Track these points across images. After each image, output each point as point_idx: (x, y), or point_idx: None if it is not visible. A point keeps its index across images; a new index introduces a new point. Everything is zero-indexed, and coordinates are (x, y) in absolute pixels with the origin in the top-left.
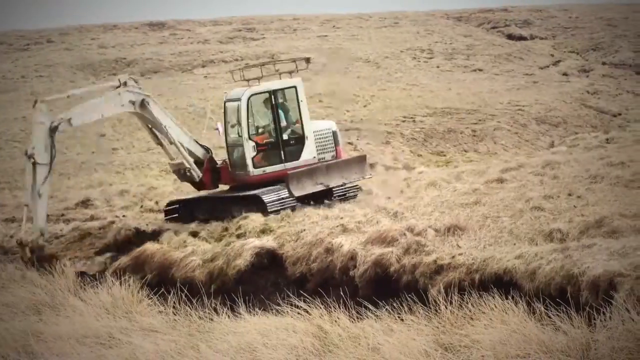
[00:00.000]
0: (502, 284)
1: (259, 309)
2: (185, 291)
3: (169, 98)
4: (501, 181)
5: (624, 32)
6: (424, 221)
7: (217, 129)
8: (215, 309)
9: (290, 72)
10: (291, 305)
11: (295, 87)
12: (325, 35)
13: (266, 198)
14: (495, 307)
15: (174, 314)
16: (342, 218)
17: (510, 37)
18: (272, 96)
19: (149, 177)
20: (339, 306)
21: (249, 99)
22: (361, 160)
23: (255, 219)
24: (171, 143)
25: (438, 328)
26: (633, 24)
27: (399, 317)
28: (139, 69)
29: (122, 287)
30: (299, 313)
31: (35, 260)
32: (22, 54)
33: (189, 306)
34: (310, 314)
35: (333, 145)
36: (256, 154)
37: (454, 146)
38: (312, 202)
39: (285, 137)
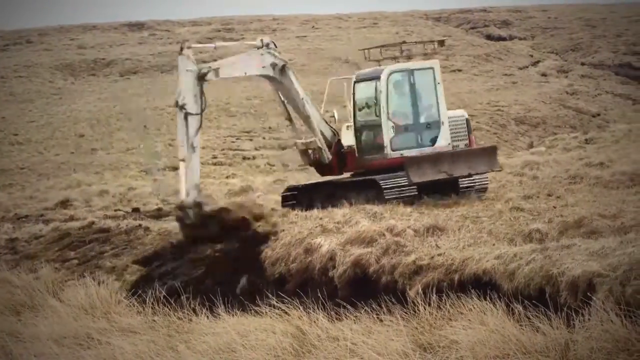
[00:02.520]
0: (481, 284)
1: (238, 309)
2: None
3: (148, 98)
4: None
5: (603, 33)
6: (403, 222)
7: (332, 115)
8: (194, 310)
9: (424, 54)
10: (270, 305)
11: (433, 68)
12: (305, 36)
13: (385, 184)
14: (474, 307)
15: (153, 315)
16: (321, 219)
17: (489, 37)
18: (411, 76)
19: (127, 177)
20: (318, 307)
21: (389, 76)
22: (491, 151)
23: None
24: (306, 117)
25: (417, 329)
26: (612, 25)
27: (377, 317)
28: (118, 69)
29: (100, 288)
30: (277, 314)
31: (198, 221)
32: (1, 55)
33: (167, 307)
34: (289, 315)
35: (466, 133)
36: (395, 136)
37: None
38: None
39: (422, 120)
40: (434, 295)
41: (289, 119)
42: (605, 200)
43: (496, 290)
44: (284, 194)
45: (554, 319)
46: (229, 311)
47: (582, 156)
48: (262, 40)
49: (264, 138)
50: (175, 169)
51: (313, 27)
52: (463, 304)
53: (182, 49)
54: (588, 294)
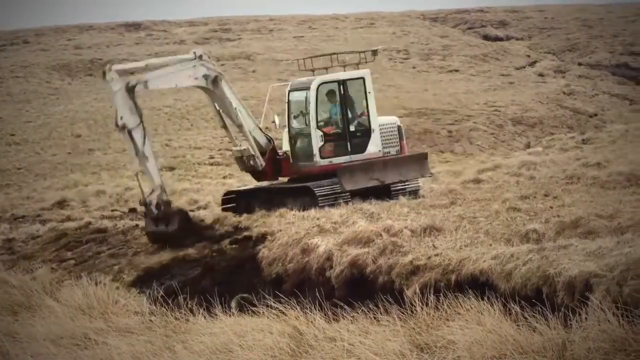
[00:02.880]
0: (478, 284)
1: (235, 309)
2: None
3: (145, 99)
4: (477, 182)
5: (600, 33)
6: (400, 222)
7: (273, 121)
8: (191, 310)
9: (357, 64)
10: (267, 306)
11: (363, 78)
12: (302, 36)
13: (318, 191)
14: (471, 307)
15: (150, 315)
16: (318, 219)
17: (486, 37)
18: (341, 86)
19: (124, 177)
20: (315, 307)
21: (318, 87)
22: (421, 157)
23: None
24: (239, 126)
25: (414, 329)
26: (609, 25)
27: (374, 318)
28: None
29: (97, 288)
30: (275, 314)
31: (162, 217)
32: None
33: (164, 307)
34: (286, 315)
35: (398, 139)
36: (323, 144)
37: (430, 147)
38: (371, 199)
39: (352, 128)
40: (431, 296)
41: (224, 127)
42: (602, 201)
43: (493, 291)
44: (223, 197)
45: (551, 319)
46: (226, 311)
47: (579, 156)
48: (194, 52)
49: None
50: (172, 169)
51: (310, 27)
52: (460, 304)
53: (104, 73)
54: (585, 294)
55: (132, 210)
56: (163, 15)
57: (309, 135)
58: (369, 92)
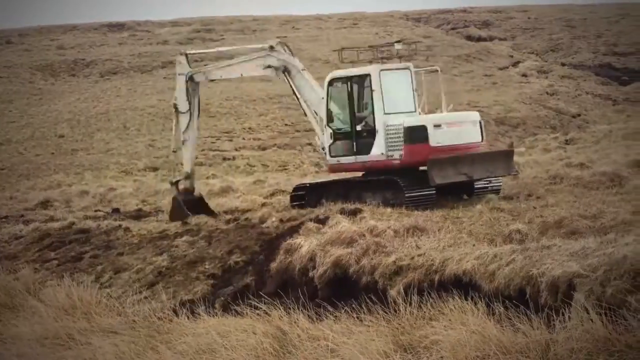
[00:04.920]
0: (461, 285)
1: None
2: None
3: (128, 99)
4: None
5: (583, 33)
6: (384, 222)
7: None
8: (174, 310)
9: (400, 57)
10: (250, 306)
11: (369, 75)
12: (285, 37)
13: (405, 183)
14: (455, 308)
15: (133, 315)
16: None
17: (469, 38)
18: (349, 83)
19: (108, 178)
20: (298, 307)
21: (329, 83)
22: (508, 154)
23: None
24: (314, 117)
25: (397, 329)
26: (592, 25)
27: (358, 318)
28: (98, 70)
29: (80, 288)
30: (258, 314)
31: (182, 203)
32: None
33: (147, 307)
34: (269, 315)
35: (402, 143)
36: (332, 143)
37: None
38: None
39: (358, 128)
40: (415, 296)
41: (305, 114)
42: (585, 201)
43: (477, 291)
44: (293, 193)
45: (534, 320)
46: (209, 312)
47: (562, 157)
48: (268, 43)
49: (243, 139)
50: (155, 169)
51: (293, 27)
52: (444, 304)
53: (178, 55)
54: (568, 294)
55: (115, 211)
56: (146, 15)
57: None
58: (374, 90)
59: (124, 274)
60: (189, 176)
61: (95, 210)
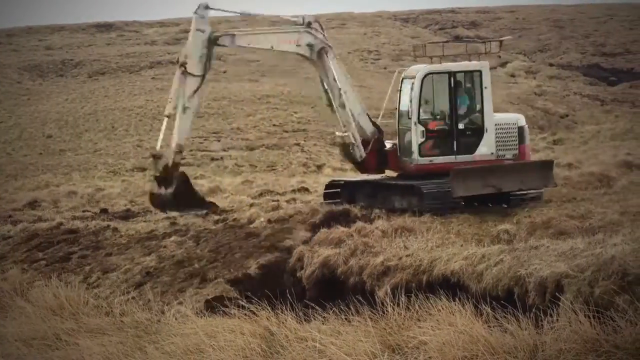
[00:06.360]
0: (449, 285)
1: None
2: None
3: (116, 99)
4: None
5: (571, 34)
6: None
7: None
8: (162, 310)
9: (479, 54)
10: (238, 306)
11: (480, 71)
12: None
13: (426, 189)
14: (443, 308)
15: (121, 316)
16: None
17: (457, 38)
18: (452, 78)
19: (96, 178)
20: (286, 308)
21: (424, 77)
22: (546, 165)
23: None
24: (341, 106)
25: (385, 330)
26: (580, 25)
27: (346, 318)
28: (86, 70)
29: (68, 288)
30: (246, 315)
31: (163, 179)
32: None
33: (135, 307)
34: (257, 316)
35: (517, 142)
36: (424, 141)
37: None
38: (476, 204)
39: (460, 126)
40: (403, 296)
41: (330, 106)
42: (573, 201)
43: (465, 291)
44: (326, 191)
45: (522, 320)
46: (197, 312)
47: (550, 157)
48: (304, 18)
49: (231, 139)
50: (143, 169)
51: None
52: (432, 305)
53: (198, 7)
54: (556, 294)
55: (104, 211)
56: (134, 15)
57: (409, 130)
58: (485, 88)
59: (112, 274)
60: (181, 149)
61: (84, 211)
